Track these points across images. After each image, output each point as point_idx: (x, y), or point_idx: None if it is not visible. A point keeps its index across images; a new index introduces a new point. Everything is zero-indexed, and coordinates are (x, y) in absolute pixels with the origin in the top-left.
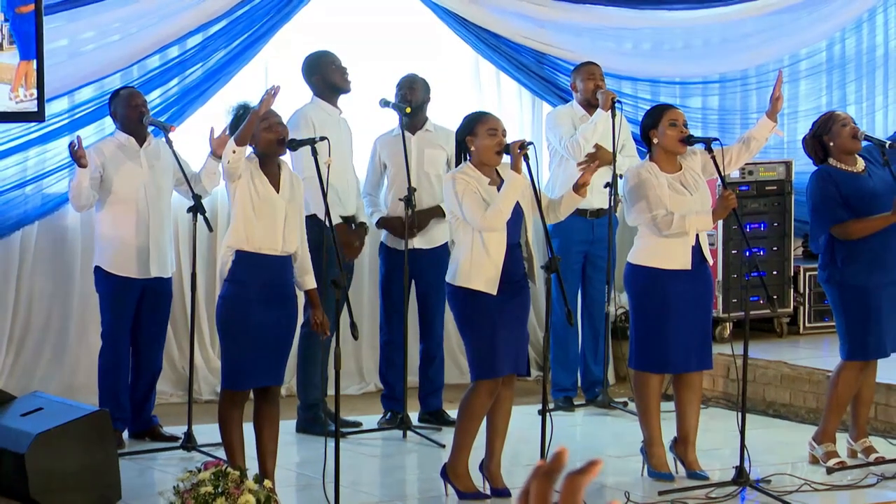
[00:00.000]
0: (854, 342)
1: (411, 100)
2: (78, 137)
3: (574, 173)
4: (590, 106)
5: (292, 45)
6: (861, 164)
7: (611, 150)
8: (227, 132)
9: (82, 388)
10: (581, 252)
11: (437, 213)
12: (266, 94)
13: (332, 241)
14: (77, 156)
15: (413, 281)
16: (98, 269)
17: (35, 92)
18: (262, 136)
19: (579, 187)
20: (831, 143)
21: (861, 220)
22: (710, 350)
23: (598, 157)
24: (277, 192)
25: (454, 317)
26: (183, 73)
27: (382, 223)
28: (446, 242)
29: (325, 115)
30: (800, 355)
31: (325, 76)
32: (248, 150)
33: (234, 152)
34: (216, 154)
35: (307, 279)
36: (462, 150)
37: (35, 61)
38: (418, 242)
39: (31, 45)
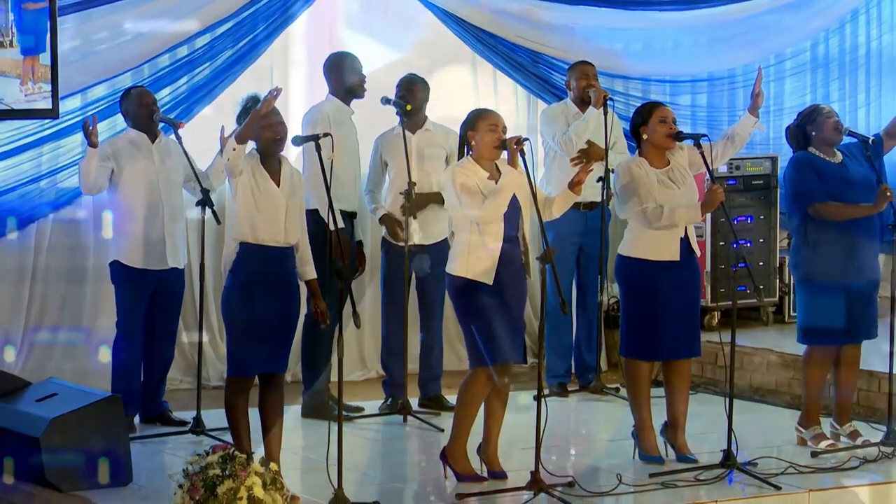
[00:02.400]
0: (809, 326)
1: (410, 100)
2: (93, 116)
3: (567, 169)
4: (583, 103)
5: (296, 46)
6: (839, 156)
7: (602, 146)
8: (235, 123)
9: (95, 375)
10: (575, 244)
11: (435, 198)
12: (268, 95)
13: (336, 235)
14: (90, 134)
15: (413, 274)
16: (115, 263)
17: (44, 86)
18: (262, 134)
19: (575, 185)
20: (814, 133)
21: (842, 204)
22: (698, 338)
23: (591, 154)
24: (278, 186)
25: (453, 306)
26: (192, 72)
27: (385, 219)
28: (446, 238)
29: (339, 113)
30: (785, 343)
31: (344, 78)
32: (251, 146)
33: (234, 150)
34: None
35: (308, 270)
36: (464, 145)
37: (43, 56)
38: (418, 238)
39: (41, 40)
